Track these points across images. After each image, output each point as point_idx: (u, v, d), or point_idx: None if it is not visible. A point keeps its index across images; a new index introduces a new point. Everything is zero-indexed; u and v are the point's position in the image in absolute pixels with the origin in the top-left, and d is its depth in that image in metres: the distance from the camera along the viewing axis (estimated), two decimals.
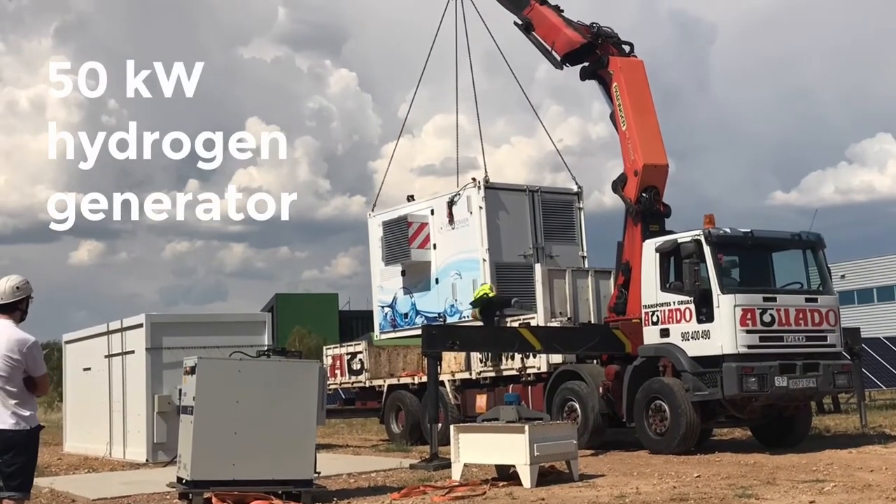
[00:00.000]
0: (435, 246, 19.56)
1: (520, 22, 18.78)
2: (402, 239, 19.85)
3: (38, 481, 14.60)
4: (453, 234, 19.09)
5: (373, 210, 21.73)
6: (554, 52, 18.02)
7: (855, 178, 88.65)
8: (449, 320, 18.95)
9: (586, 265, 19.26)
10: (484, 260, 18.40)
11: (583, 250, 19.65)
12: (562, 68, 18.04)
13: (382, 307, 20.95)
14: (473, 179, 18.93)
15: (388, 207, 21.52)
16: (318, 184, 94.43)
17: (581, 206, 19.86)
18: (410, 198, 20.93)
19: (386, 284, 20.77)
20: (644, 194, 16.25)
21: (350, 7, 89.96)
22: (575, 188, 20.04)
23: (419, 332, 18.71)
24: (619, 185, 16.72)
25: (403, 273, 20.19)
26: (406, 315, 20.19)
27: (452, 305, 19.04)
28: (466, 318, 18.45)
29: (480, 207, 18.48)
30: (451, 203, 19.09)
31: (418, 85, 21.94)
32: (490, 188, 18.78)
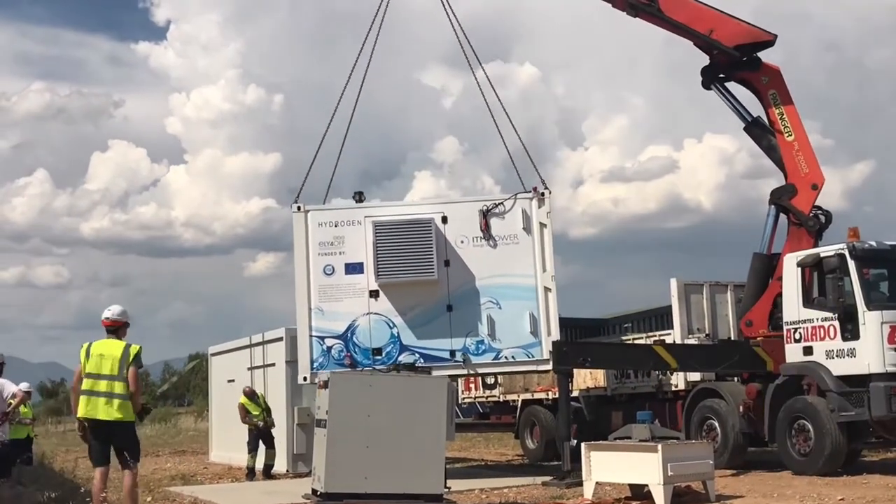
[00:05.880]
0: (448, 263, 15.75)
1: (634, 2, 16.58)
2: (397, 250, 15.37)
3: (182, 489, 15.31)
4: (489, 251, 15.68)
5: (298, 201, 16.04)
6: (716, 39, 16.35)
7: None
8: (475, 360, 15.50)
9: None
10: (548, 290, 15.48)
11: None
12: (740, 57, 16.33)
13: (321, 338, 15.54)
14: (534, 189, 15.87)
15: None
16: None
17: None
18: (359, 195, 16.31)
19: (330, 308, 15.59)
20: (817, 210, 15.88)
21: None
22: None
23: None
24: (784, 196, 16.03)
25: (374, 294, 15.65)
26: (379, 351, 15.41)
27: (482, 342, 15.47)
28: (505, 360, 15.52)
29: (544, 225, 15.68)
30: (487, 212, 15.72)
31: None
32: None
